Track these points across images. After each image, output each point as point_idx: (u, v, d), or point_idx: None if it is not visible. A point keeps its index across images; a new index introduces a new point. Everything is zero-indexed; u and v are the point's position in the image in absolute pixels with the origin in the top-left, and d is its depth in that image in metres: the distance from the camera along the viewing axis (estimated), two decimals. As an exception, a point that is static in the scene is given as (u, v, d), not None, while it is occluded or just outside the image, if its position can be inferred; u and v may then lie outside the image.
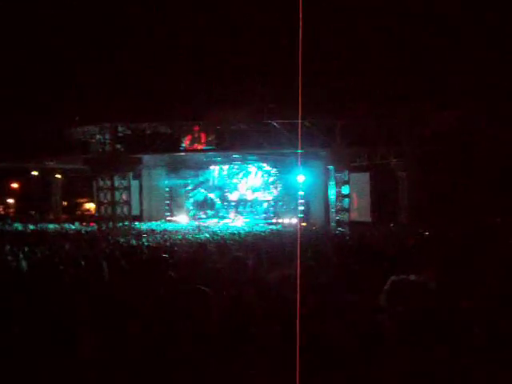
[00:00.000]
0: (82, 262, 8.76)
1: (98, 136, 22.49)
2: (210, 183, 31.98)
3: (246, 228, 25.75)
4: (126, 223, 22.68)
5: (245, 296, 4.62)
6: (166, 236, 20.42)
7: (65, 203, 32.97)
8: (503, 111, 19.14)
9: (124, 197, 22.64)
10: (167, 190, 31.66)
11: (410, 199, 24.00)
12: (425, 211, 21.77)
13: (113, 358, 3.82)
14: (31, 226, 25.15)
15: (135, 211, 26.75)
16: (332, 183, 23.93)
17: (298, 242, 13.87)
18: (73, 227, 25.71)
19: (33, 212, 30.88)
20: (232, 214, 31.44)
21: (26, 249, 12.85)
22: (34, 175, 28.60)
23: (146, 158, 25.48)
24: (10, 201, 34.41)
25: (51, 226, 26.25)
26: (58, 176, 30.65)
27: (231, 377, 3.48)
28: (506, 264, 7.35)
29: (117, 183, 22.38)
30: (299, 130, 20.61)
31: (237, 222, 29.59)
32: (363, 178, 26.75)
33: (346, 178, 23.45)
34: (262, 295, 4.93)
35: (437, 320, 3.21)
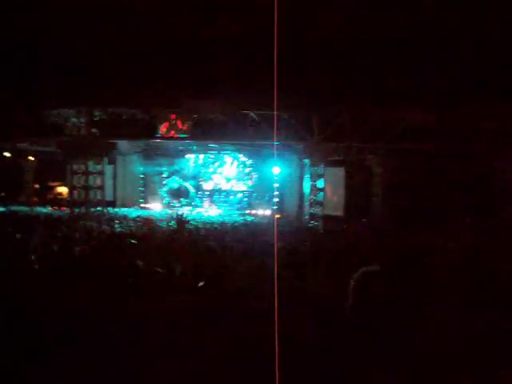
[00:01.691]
0: (54, 247, 8.70)
1: (73, 119, 22.23)
2: (185, 172, 31.84)
3: (218, 218, 25.79)
4: (99, 208, 22.50)
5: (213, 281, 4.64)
6: (138, 223, 20.38)
7: (37, 186, 32.54)
8: (480, 110, 19.42)
9: (98, 182, 22.45)
10: (142, 176, 31.45)
11: (383, 195, 24.22)
12: (397, 208, 22.01)
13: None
14: (1, 208, 24.85)
15: (108, 197, 26.52)
16: (307, 176, 24.01)
17: (275, 233, 13.95)
18: (44, 210, 25.46)
19: (3, 194, 30.46)
20: (206, 204, 31.39)
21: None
22: (6, 156, 28.17)
23: (122, 144, 25.30)
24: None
25: (22, 208, 25.96)
26: (31, 158, 30.26)
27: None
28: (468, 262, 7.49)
29: (91, 168, 22.19)
30: (275, 121, 20.63)
31: (210, 212, 29.56)
32: (338, 173, 26.87)
33: (322, 172, 23.54)
34: (231, 282, 4.96)
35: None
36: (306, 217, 24.18)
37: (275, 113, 19.03)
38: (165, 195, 31.73)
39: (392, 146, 21.99)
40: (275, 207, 28.83)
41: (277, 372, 3.11)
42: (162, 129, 23.01)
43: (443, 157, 20.75)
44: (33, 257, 7.25)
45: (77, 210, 21.99)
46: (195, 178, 31.91)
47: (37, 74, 20.06)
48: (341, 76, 19.68)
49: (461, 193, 20.09)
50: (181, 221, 17.86)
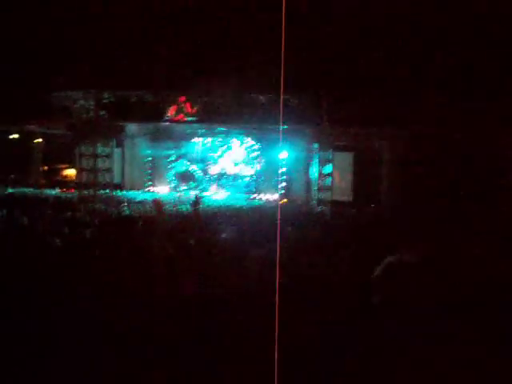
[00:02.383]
0: (66, 229, 8.72)
1: (81, 101, 22.20)
2: (193, 155, 31.77)
3: (225, 201, 25.83)
4: (107, 191, 22.54)
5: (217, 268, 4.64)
6: (147, 206, 20.44)
7: (45, 168, 32.61)
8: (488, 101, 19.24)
9: (106, 164, 22.47)
10: (149, 159, 31.41)
11: (392, 181, 24.11)
12: (405, 194, 21.93)
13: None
14: (10, 189, 24.95)
15: (116, 179, 26.54)
16: (315, 161, 23.97)
17: (278, 217, 13.95)
18: (53, 192, 25.55)
19: (12, 176, 30.55)
20: (213, 187, 31.36)
21: (4, 211, 12.79)
22: (15, 138, 28.21)
23: (130, 127, 25.26)
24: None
25: (30, 190, 26.06)
26: (39, 140, 30.28)
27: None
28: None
29: (99, 150, 22.19)
30: (281, 105, 20.56)
31: (217, 196, 29.55)
32: (347, 158, 26.77)
33: (330, 157, 23.48)
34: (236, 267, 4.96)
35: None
36: (314, 202, 24.16)
37: (281, 96, 18.99)
38: (172, 178, 31.75)
39: (401, 132, 21.84)
40: (282, 192, 28.81)
41: (276, 363, 3.11)
42: (171, 112, 22.96)
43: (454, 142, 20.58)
44: (42, 238, 7.27)
45: (85, 193, 22.03)
46: (202, 161, 31.86)
47: (45, 55, 20.01)
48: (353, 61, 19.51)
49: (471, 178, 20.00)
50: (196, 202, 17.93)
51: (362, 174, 25.94)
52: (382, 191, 24.84)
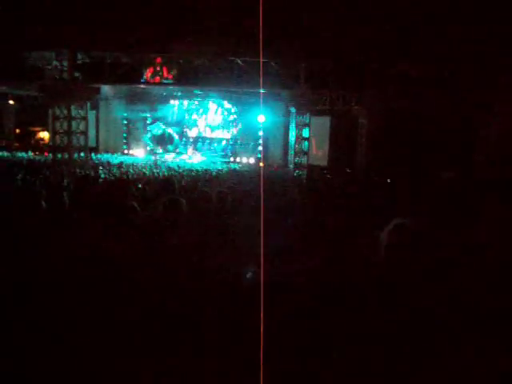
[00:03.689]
0: (43, 191, 8.56)
1: (55, 62, 21.69)
2: (169, 118, 31.50)
3: (202, 165, 25.75)
4: (82, 154, 22.23)
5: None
6: (122, 169, 20.25)
7: (17, 131, 32.02)
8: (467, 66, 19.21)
9: (80, 127, 22.09)
10: (125, 122, 31.06)
11: (368, 146, 24.17)
12: (381, 159, 22.01)
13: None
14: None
15: (91, 143, 26.18)
16: (292, 125, 23.91)
17: (262, 182, 13.93)
18: (25, 156, 25.16)
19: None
20: (190, 151, 31.21)
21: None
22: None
23: (105, 89, 24.82)
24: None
25: (2, 153, 25.64)
26: (11, 102, 29.67)
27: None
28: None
29: (73, 113, 21.78)
30: (261, 68, 20.38)
31: (194, 159, 29.44)
32: (324, 123, 26.72)
33: (307, 121, 23.41)
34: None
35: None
36: (291, 165, 24.19)
37: (261, 60, 18.78)
38: (148, 141, 31.49)
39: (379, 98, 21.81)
40: (259, 156, 28.81)
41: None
42: (147, 74, 22.60)
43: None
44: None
45: (59, 156, 21.70)
46: (179, 124, 31.62)
47: (17, 15, 19.45)
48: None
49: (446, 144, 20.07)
50: None
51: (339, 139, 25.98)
52: (357, 157, 24.89)
